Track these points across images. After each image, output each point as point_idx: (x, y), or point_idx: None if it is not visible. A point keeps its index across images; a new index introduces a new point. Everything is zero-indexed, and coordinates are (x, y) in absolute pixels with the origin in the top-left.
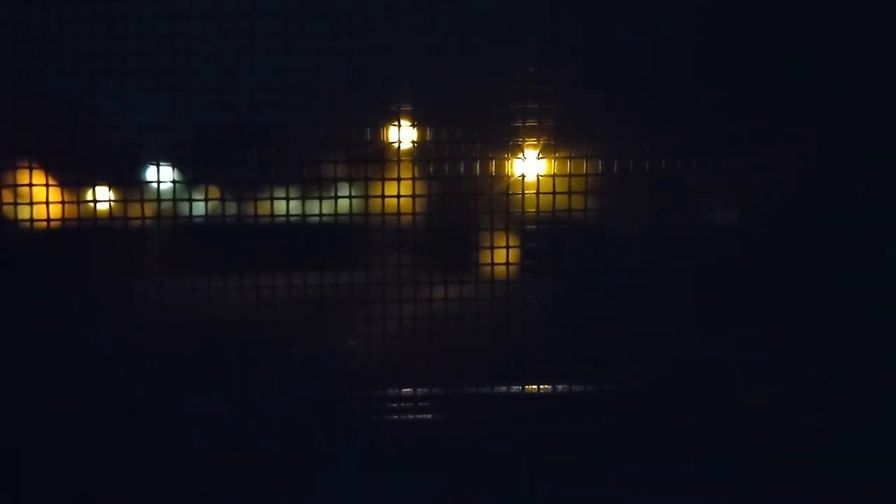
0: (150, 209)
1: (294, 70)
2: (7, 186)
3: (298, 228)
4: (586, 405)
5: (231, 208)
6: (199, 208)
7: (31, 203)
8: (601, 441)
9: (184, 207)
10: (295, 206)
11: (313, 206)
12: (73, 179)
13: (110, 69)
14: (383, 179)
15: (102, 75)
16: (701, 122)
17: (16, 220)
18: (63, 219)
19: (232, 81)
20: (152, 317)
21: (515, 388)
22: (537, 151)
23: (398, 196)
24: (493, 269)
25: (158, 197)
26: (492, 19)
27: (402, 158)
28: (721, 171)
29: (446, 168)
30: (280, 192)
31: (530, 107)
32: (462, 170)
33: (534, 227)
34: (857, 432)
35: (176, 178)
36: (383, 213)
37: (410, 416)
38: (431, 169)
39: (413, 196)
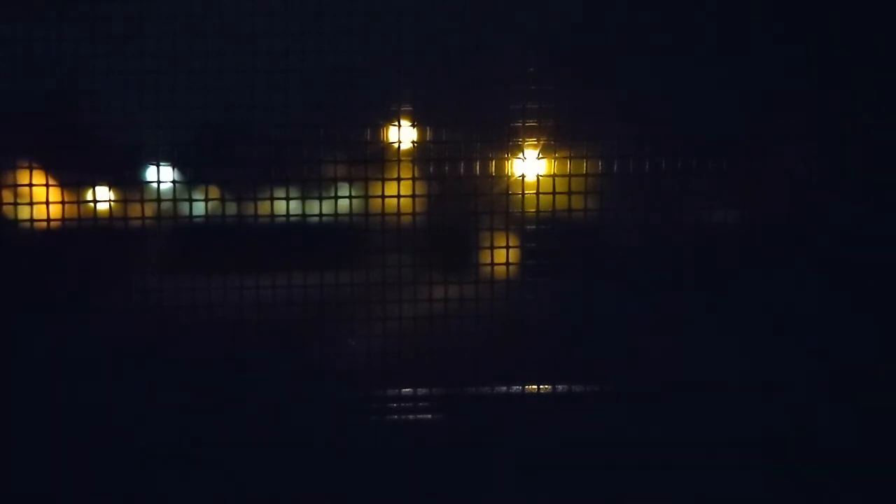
0: (150, 209)
1: (294, 70)
2: (7, 186)
3: (298, 228)
4: (586, 405)
5: (231, 208)
6: (199, 208)
7: (31, 203)
8: (601, 441)
9: (184, 207)
10: (295, 206)
11: (313, 206)
12: (73, 179)
13: (110, 69)
14: (383, 179)
15: (102, 75)
16: (701, 123)
17: (16, 220)
18: (63, 219)
19: (232, 81)
20: (152, 316)
21: (515, 388)
22: (537, 151)
23: (398, 196)
24: (493, 269)
25: (158, 197)
26: (492, 19)
27: (402, 158)
28: (721, 171)
29: (446, 168)
30: (280, 192)
31: (530, 107)
32: (462, 170)
33: (534, 227)
34: (859, 433)
35: (176, 178)
36: (383, 213)
37: (410, 416)
38: (431, 169)
39: (413, 196)
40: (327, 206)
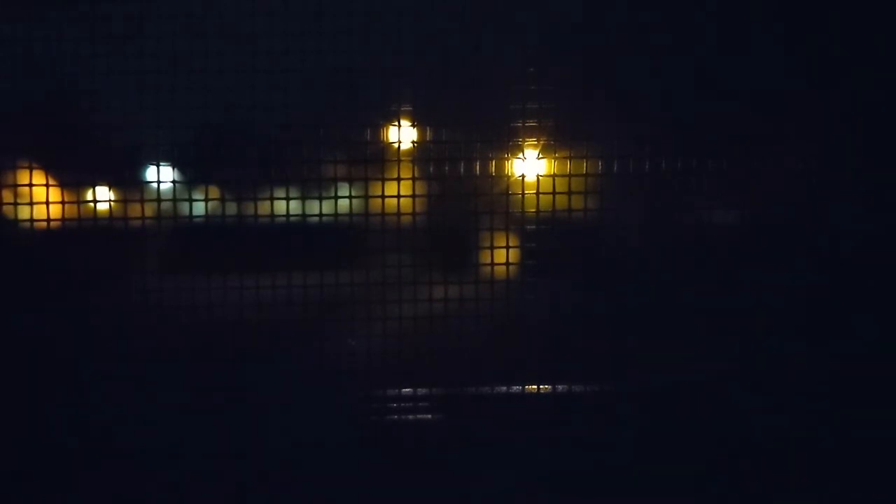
0: (150, 209)
1: (294, 70)
2: (7, 186)
3: (298, 228)
4: (586, 405)
5: (231, 208)
6: (199, 208)
7: (31, 203)
8: (601, 442)
9: (184, 207)
10: (295, 206)
11: (313, 206)
12: (73, 179)
13: (110, 69)
14: (383, 179)
15: (102, 75)
16: (701, 123)
17: (16, 220)
18: (63, 219)
19: (232, 81)
20: (152, 316)
21: (515, 389)
22: (537, 151)
23: (398, 196)
24: (493, 269)
25: (158, 197)
26: (492, 19)
27: (402, 158)
28: (721, 171)
29: (446, 168)
30: (280, 192)
31: (530, 107)
32: (462, 170)
33: (534, 227)
34: (859, 435)
35: (176, 178)
36: (383, 213)
37: (410, 416)
38: (431, 169)
39: (413, 196)
40: (327, 206)
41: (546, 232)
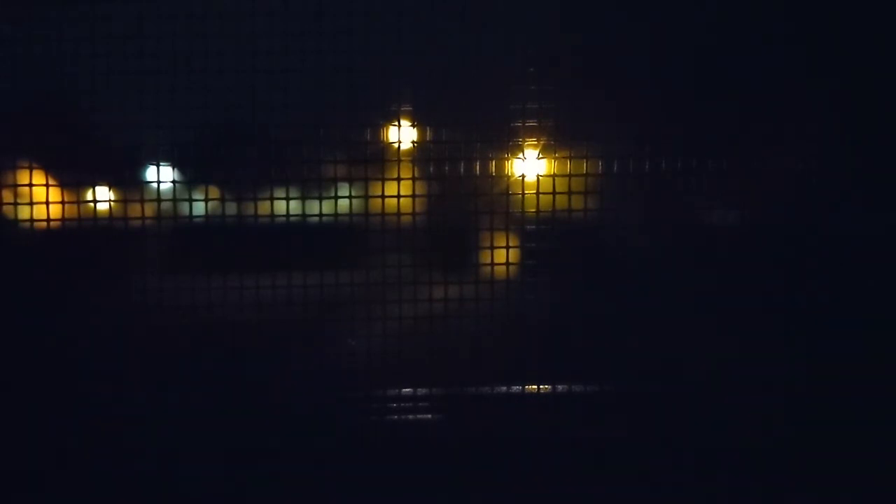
0: (150, 209)
1: (294, 70)
2: (7, 186)
3: (298, 228)
4: (586, 405)
5: (231, 208)
6: (199, 208)
7: (31, 203)
8: (601, 441)
9: (184, 207)
10: (295, 206)
11: (313, 206)
12: (73, 179)
13: (110, 69)
14: (383, 179)
15: (102, 75)
16: (701, 123)
17: (16, 220)
18: (63, 219)
19: (232, 81)
20: (152, 317)
21: (515, 388)
22: (537, 151)
23: (398, 196)
24: (493, 269)
25: (158, 197)
26: (492, 19)
27: (402, 158)
28: (721, 171)
29: (446, 168)
30: (280, 192)
31: (530, 107)
32: (462, 170)
33: (534, 227)
34: (858, 436)
35: (176, 178)
36: (383, 213)
37: (410, 416)
38: (431, 169)
39: (413, 196)
40: (327, 206)
41: (546, 232)
